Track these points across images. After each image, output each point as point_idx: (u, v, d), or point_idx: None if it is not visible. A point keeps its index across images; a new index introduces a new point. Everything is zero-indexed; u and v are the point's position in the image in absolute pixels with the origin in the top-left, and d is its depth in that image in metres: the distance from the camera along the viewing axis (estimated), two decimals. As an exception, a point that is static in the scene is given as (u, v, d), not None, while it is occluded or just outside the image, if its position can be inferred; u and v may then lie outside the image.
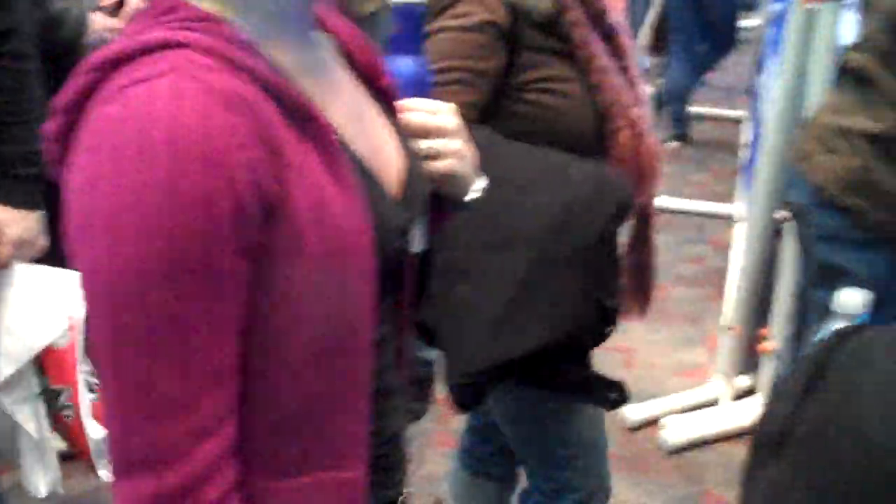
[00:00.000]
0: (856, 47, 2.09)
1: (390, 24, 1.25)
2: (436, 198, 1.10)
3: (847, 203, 2.04)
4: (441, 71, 1.62)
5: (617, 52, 1.75)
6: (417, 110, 1.07)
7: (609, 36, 1.74)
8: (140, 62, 0.77)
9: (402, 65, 1.13)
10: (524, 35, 1.65)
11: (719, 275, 3.91)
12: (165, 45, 0.78)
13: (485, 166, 1.48)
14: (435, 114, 1.08)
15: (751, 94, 3.95)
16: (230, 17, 0.84)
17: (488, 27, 1.62)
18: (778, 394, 1.06)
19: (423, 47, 1.17)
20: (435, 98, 1.49)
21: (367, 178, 0.91)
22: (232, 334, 0.79)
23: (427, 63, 1.16)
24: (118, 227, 0.73)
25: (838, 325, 1.19)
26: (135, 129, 0.73)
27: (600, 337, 1.69)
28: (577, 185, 1.59)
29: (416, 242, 1.07)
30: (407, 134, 1.05)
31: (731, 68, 6.72)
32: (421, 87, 1.13)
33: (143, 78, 0.75)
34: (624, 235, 1.83)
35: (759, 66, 3.84)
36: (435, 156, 1.07)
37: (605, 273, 1.66)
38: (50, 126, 0.82)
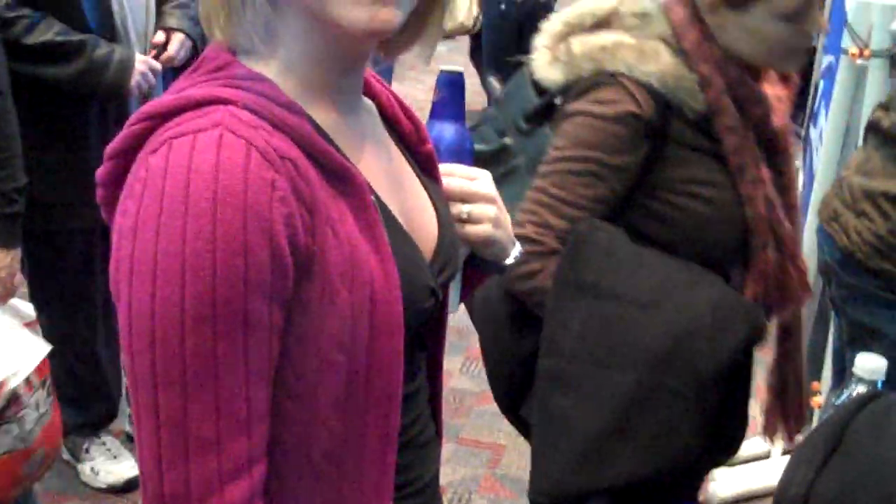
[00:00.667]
0: (884, 107, 2.06)
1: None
2: (473, 261, 1.14)
3: (877, 268, 2.02)
4: (573, 160, 1.54)
5: (775, 158, 1.64)
6: (456, 176, 1.10)
7: (769, 141, 1.63)
8: (187, 116, 0.82)
9: (444, 131, 1.16)
10: (672, 129, 1.55)
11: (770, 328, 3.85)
12: (212, 101, 0.83)
13: (606, 273, 1.48)
14: (473, 180, 1.11)
15: (804, 142, 3.92)
16: (276, 78, 0.89)
17: (631, 119, 1.52)
18: (798, 459, 1.09)
19: (463, 114, 1.18)
20: (561, 186, 1.53)
21: (400, 237, 0.94)
22: (264, 380, 0.82)
23: (466, 130, 1.16)
24: (160, 271, 0.77)
25: (858, 389, 1.21)
26: (179, 178, 0.78)
27: (715, 465, 1.61)
28: (701, 310, 1.47)
29: (451, 303, 1.11)
30: (445, 198, 1.08)
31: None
32: (460, 154, 1.16)
33: (190, 131, 0.80)
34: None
35: (812, 117, 3.81)
36: (472, 220, 1.09)
37: (728, 403, 1.52)
38: (101, 172, 0.87)
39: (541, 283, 1.53)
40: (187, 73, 0.91)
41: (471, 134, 1.18)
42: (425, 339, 1.07)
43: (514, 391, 1.65)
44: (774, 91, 1.62)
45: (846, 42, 2.80)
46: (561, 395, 1.49)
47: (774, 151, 1.63)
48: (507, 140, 1.72)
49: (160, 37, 2.59)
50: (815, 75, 3.99)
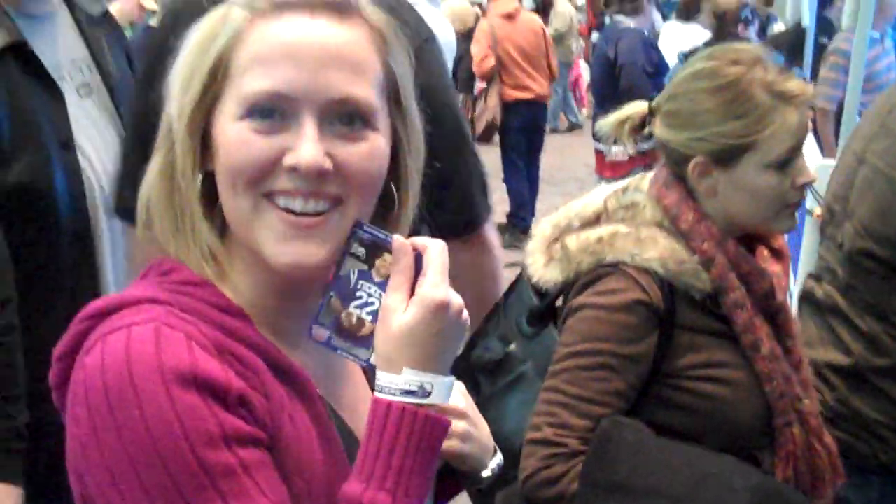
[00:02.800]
0: (816, 278, 2.05)
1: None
2: (447, 470, 1.08)
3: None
4: (585, 354, 1.51)
5: (781, 333, 1.62)
6: None
7: (774, 316, 1.61)
8: (122, 314, 0.84)
9: None
10: (681, 315, 1.53)
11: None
12: (150, 300, 0.86)
13: (636, 470, 1.44)
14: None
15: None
16: (221, 284, 0.92)
17: (639, 307, 1.50)
18: None
19: None
20: (576, 384, 1.49)
21: (344, 431, 0.96)
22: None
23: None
24: (140, 466, 0.78)
25: None
26: (119, 369, 0.79)
27: None
28: (739, 499, 1.42)
29: None
30: None
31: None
32: None
33: (123, 325, 0.83)
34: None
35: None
36: None
37: None
38: (52, 375, 0.89)
39: (566, 487, 1.47)
40: (139, 279, 0.94)
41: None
42: None
43: None
44: (772, 268, 1.62)
45: (810, 202, 2.86)
46: None
47: (780, 327, 1.62)
48: (512, 347, 1.69)
49: None
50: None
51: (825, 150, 4.29)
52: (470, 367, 1.71)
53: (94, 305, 0.87)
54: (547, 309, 1.65)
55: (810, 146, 3.85)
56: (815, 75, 5.20)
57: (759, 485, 1.45)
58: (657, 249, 1.52)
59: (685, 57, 5.09)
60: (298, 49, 0.88)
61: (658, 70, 5.48)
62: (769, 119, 1.49)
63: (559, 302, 1.64)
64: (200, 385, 0.80)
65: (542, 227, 1.66)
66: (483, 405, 1.65)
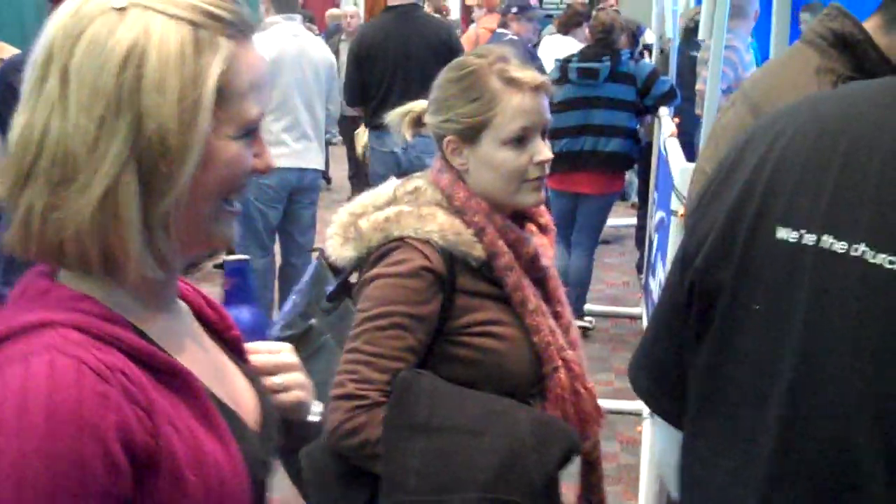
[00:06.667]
0: None
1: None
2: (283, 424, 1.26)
3: None
4: (379, 317, 1.69)
5: (549, 296, 1.86)
6: (261, 352, 1.25)
7: (541, 280, 1.85)
8: (16, 341, 0.89)
9: (240, 314, 1.28)
10: (460, 280, 1.74)
11: (631, 472, 3.94)
12: (40, 325, 0.90)
13: (434, 410, 1.64)
14: (277, 353, 1.26)
15: (644, 291, 4.10)
16: (99, 296, 0.97)
17: (424, 272, 1.70)
18: None
19: (254, 296, 1.32)
20: (373, 343, 1.68)
21: (231, 418, 1.05)
22: None
23: (258, 310, 1.30)
24: (2, 493, 0.83)
25: None
26: (14, 403, 0.84)
27: None
28: (523, 429, 1.63)
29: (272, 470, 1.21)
30: (256, 374, 1.21)
31: (626, 265, 7.03)
32: (258, 332, 1.29)
33: (20, 357, 0.87)
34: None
35: (650, 268, 4.00)
36: (283, 389, 1.24)
37: None
38: None
39: (369, 434, 1.65)
40: (13, 301, 0.98)
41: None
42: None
43: None
44: (539, 239, 1.88)
45: (675, 203, 3.09)
46: None
47: (547, 291, 1.87)
48: (313, 321, 1.87)
49: None
50: (650, 229, 4.28)
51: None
52: None
53: None
54: (343, 284, 1.84)
55: (674, 150, 4.15)
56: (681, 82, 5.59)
57: (538, 416, 1.70)
58: (437, 224, 1.74)
59: (561, 63, 5.52)
60: (267, 76, 1.05)
61: None
62: (499, 101, 1.75)
63: (353, 279, 1.83)
64: (83, 427, 0.85)
65: (339, 215, 1.85)
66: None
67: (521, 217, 1.88)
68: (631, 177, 7.33)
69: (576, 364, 1.83)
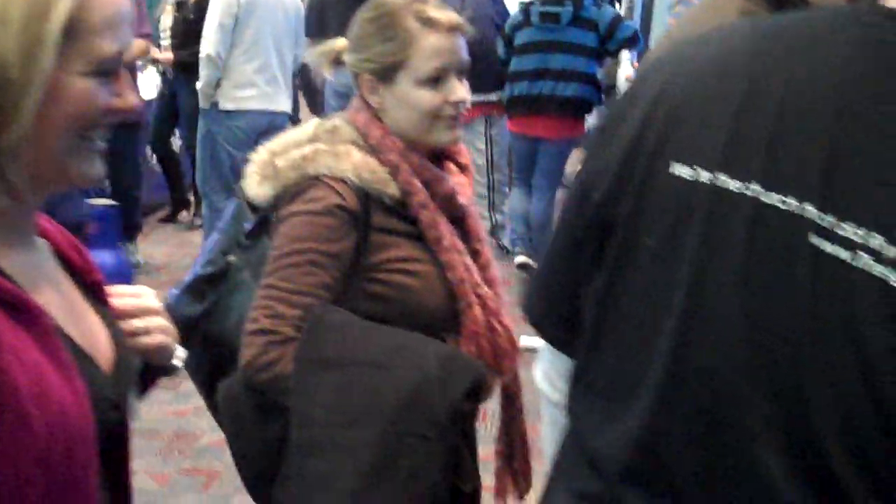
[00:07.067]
0: None
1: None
2: (146, 366, 1.29)
3: None
4: (294, 253, 1.72)
5: (467, 234, 1.88)
6: (123, 295, 1.25)
7: (458, 218, 1.87)
8: None
9: (104, 258, 1.31)
10: (375, 218, 1.76)
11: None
12: None
13: (344, 345, 1.66)
14: (139, 297, 1.27)
15: None
16: None
17: (338, 210, 1.72)
18: None
19: (118, 242, 1.36)
20: (287, 279, 1.71)
21: (81, 357, 1.05)
22: None
23: (123, 254, 1.34)
24: None
25: None
26: None
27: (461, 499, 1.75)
28: (429, 363, 1.64)
29: (132, 411, 1.21)
30: (116, 318, 1.21)
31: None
32: (121, 276, 1.30)
33: None
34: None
35: None
36: (144, 333, 1.25)
37: (459, 454, 1.72)
38: None
39: (282, 368, 1.68)
40: None
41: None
42: (106, 453, 1.11)
43: (265, 479, 1.77)
44: (458, 178, 1.90)
45: None
46: (316, 459, 1.62)
47: (465, 229, 1.90)
48: (232, 258, 1.89)
49: None
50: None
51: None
52: (197, 281, 1.90)
53: None
54: (261, 222, 1.86)
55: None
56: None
57: (446, 350, 1.73)
58: (351, 162, 1.76)
59: (524, 6, 5.57)
60: (128, 13, 1.04)
61: (504, 20, 5.93)
62: (415, 41, 1.77)
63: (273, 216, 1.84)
64: None
65: (259, 154, 1.87)
66: (208, 310, 1.86)
67: (440, 156, 1.91)
68: (593, 122, 7.34)
69: (491, 300, 1.86)
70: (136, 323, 1.25)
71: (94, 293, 1.19)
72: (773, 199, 0.97)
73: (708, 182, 1.02)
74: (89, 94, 1.00)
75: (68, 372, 0.99)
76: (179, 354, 1.33)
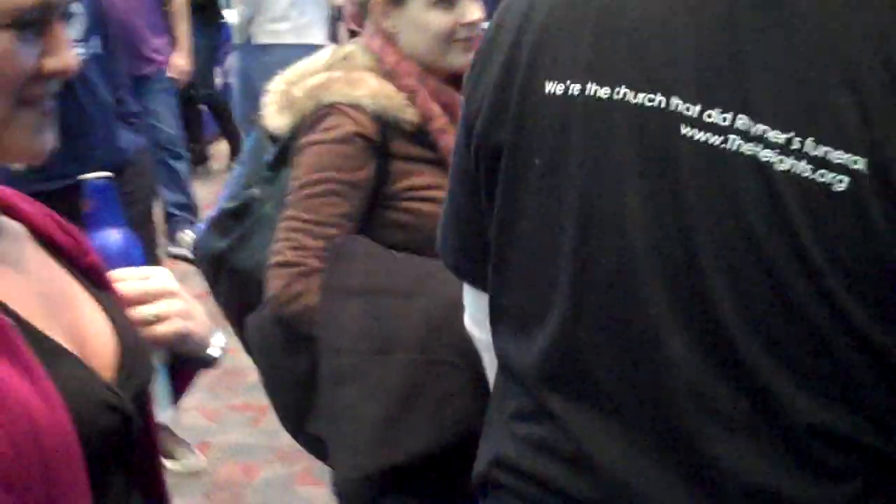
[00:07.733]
0: None
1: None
2: (179, 360, 1.12)
3: None
4: (314, 183, 1.69)
5: None
6: (129, 279, 1.08)
7: None
8: None
9: (107, 238, 1.16)
10: (394, 145, 1.73)
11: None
12: None
13: (369, 274, 1.64)
14: (148, 279, 1.10)
15: None
16: None
17: (356, 138, 1.70)
18: None
19: (121, 218, 1.19)
20: (308, 210, 1.66)
21: (54, 354, 0.88)
22: None
23: (128, 232, 1.18)
24: None
25: None
26: None
27: None
28: (456, 290, 1.56)
29: (159, 409, 1.09)
30: (122, 305, 1.05)
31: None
32: (129, 257, 1.16)
33: None
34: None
35: None
36: (158, 320, 1.07)
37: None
38: None
39: (309, 301, 1.66)
40: None
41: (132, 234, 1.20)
42: (113, 459, 0.96)
43: (298, 411, 1.76)
44: None
45: None
46: (346, 388, 1.61)
47: None
48: (255, 191, 1.86)
49: None
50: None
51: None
52: (221, 216, 1.89)
53: None
54: (281, 152, 1.83)
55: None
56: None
57: None
58: (367, 88, 1.73)
59: None
60: None
61: None
62: None
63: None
64: None
65: (276, 84, 1.83)
66: (233, 245, 1.84)
67: (457, 81, 1.84)
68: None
69: None
70: (147, 309, 1.07)
71: (91, 278, 1.03)
72: (641, 98, 1.01)
73: (580, 94, 1.06)
74: (9, 52, 0.85)
75: (36, 378, 0.83)
76: (217, 342, 1.15)
